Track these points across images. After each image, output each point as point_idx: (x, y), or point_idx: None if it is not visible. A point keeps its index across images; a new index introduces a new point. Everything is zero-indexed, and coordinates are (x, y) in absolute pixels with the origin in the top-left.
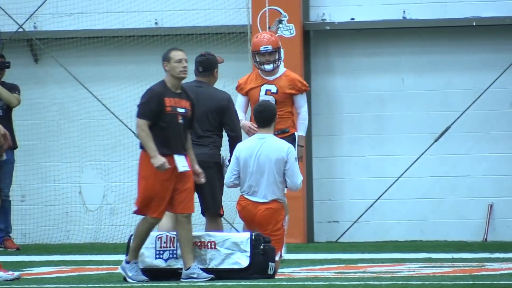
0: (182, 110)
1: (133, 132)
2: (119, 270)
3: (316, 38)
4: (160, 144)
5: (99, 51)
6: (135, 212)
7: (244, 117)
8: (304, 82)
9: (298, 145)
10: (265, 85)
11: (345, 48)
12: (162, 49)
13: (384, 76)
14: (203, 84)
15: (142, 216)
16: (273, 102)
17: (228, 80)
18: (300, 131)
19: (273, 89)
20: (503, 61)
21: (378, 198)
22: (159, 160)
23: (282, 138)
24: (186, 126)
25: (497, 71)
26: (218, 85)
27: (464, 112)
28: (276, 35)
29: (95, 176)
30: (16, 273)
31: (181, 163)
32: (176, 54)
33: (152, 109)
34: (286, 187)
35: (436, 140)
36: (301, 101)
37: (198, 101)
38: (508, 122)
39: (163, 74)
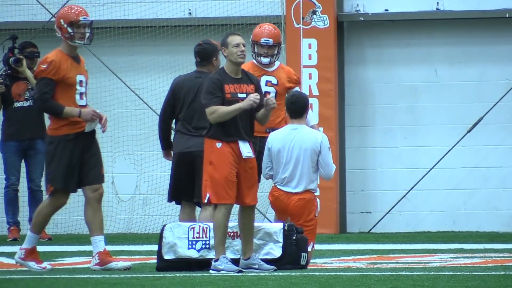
0: (243, 96)
1: None
2: (213, 273)
3: (350, 29)
4: (223, 131)
5: (133, 41)
6: (208, 202)
7: None
8: (298, 76)
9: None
10: (264, 76)
11: (378, 39)
12: (196, 39)
13: (417, 67)
14: (202, 74)
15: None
16: (274, 94)
17: None
18: (313, 121)
19: (274, 80)
20: None
21: (411, 189)
22: (245, 101)
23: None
24: (250, 111)
25: None
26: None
27: (496, 103)
28: (310, 26)
29: (127, 166)
30: (48, 267)
31: (246, 149)
32: (234, 39)
33: (215, 95)
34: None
35: (468, 131)
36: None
37: (198, 92)
38: None
39: (193, 65)
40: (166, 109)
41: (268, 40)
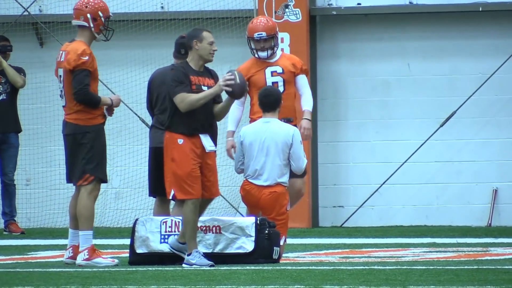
0: (206, 89)
1: (138, 116)
2: (186, 267)
3: (322, 23)
4: (184, 124)
5: None
6: (174, 198)
7: (241, 109)
8: (304, 63)
9: (304, 118)
10: (268, 68)
11: (351, 33)
12: (168, 33)
13: (390, 61)
14: None
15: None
16: (281, 83)
17: (234, 65)
18: (307, 106)
19: (279, 69)
20: (509, 47)
21: (383, 183)
22: (215, 86)
23: None
24: (211, 104)
25: (503, 56)
26: (223, 69)
27: (469, 97)
28: (282, 20)
29: None
30: (116, 261)
31: (208, 143)
32: (209, 36)
33: (184, 83)
34: (291, 170)
35: (441, 126)
36: (303, 80)
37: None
38: None
39: (168, 59)
40: (149, 105)
41: (261, 34)
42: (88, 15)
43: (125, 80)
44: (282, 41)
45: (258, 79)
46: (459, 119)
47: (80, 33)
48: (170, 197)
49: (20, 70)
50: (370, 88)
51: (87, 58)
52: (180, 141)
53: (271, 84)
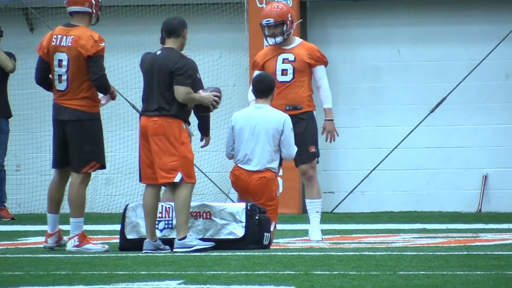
0: None
1: (128, 102)
2: (178, 250)
3: (313, 9)
4: (185, 115)
5: None
6: (180, 181)
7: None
8: (323, 54)
9: (326, 119)
10: (281, 55)
11: (341, 19)
12: (159, 19)
13: (380, 47)
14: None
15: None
16: (291, 70)
17: (225, 51)
18: (326, 104)
19: (291, 57)
20: (499, 33)
21: (374, 169)
22: (206, 98)
23: (293, 114)
24: None
25: (493, 42)
26: (214, 55)
27: (459, 83)
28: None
29: None
30: (106, 247)
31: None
32: None
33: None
34: (281, 157)
35: (431, 111)
36: (321, 72)
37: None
38: (503, 94)
39: (159, 45)
40: None
41: (269, 20)
42: (93, 1)
43: (116, 66)
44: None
45: (270, 65)
46: (449, 105)
47: (79, 19)
48: (177, 180)
49: (10, 55)
50: (360, 74)
51: (103, 44)
52: (184, 126)
53: (280, 71)
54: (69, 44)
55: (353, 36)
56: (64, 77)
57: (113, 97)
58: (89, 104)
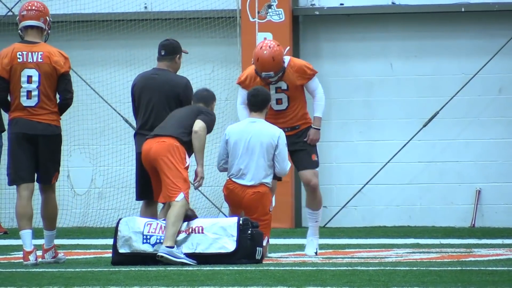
0: None
1: (121, 116)
2: (164, 255)
3: (305, 23)
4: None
5: (88, 35)
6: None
7: (247, 112)
8: (311, 66)
9: (313, 127)
10: (273, 84)
11: (334, 33)
12: (151, 33)
13: (372, 61)
14: (159, 71)
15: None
16: (286, 99)
17: (217, 65)
18: (317, 112)
19: (283, 86)
20: (491, 47)
21: (366, 184)
22: (200, 170)
23: (294, 134)
24: None
25: (486, 57)
26: (206, 70)
27: (452, 97)
28: (265, 20)
29: (83, 160)
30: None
31: None
32: None
33: None
34: (274, 172)
35: (424, 126)
36: (314, 84)
37: (154, 91)
38: (496, 108)
39: (152, 59)
40: (134, 110)
41: (269, 74)
42: (47, 18)
43: (109, 80)
44: None
45: None
46: (442, 119)
47: (35, 34)
48: (179, 199)
49: None
50: (353, 88)
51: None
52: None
53: (275, 101)
54: (40, 60)
55: (345, 50)
56: (34, 93)
57: None
58: (58, 118)
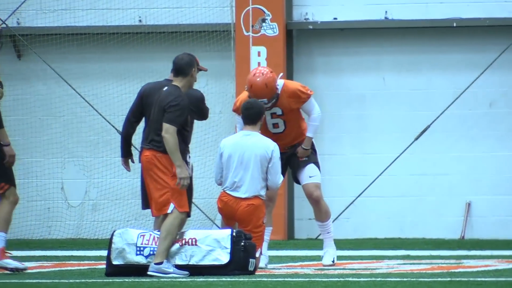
0: None
1: (115, 129)
2: (153, 274)
3: (299, 37)
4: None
5: (83, 48)
6: (172, 211)
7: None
8: (305, 88)
9: (302, 147)
10: (267, 110)
11: (327, 47)
12: (146, 46)
13: (365, 75)
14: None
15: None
16: (282, 123)
17: (211, 78)
18: (309, 132)
19: (278, 111)
20: (482, 62)
21: (358, 196)
22: (186, 171)
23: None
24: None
25: (477, 71)
26: (200, 83)
27: (443, 111)
28: (259, 34)
29: (77, 172)
30: (25, 264)
31: None
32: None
33: (185, 118)
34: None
35: (416, 139)
36: (309, 106)
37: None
38: (487, 122)
39: (146, 72)
40: (128, 117)
41: (263, 100)
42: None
43: (103, 93)
44: (259, 55)
45: None
46: (434, 133)
47: None
48: (170, 211)
49: None
50: (345, 101)
51: None
52: (188, 156)
53: (271, 125)
54: None
55: (338, 64)
56: None
57: None
58: None
